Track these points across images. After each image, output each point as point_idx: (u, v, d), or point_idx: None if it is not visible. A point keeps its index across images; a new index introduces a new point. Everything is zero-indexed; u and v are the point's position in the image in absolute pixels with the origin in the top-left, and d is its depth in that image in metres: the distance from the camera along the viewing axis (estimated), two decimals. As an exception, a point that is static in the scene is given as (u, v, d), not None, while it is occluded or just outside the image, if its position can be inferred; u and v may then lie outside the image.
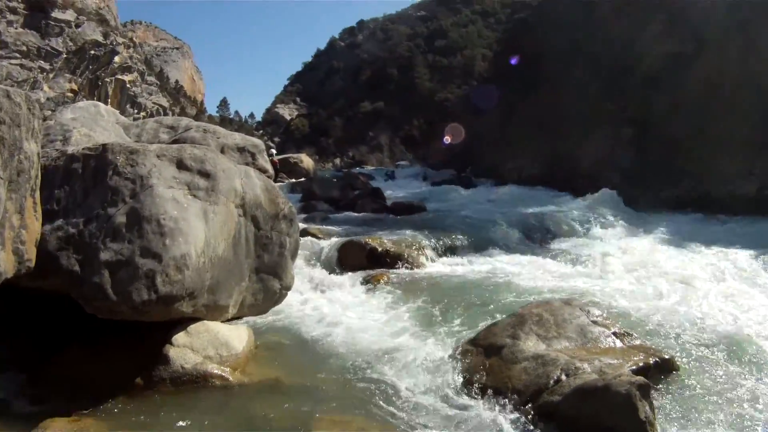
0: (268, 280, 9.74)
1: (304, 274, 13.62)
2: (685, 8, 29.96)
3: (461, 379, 8.09)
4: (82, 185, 8.13)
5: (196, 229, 8.03)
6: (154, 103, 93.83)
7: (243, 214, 9.20)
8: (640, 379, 6.83)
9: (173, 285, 7.61)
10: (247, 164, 10.62)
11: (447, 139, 28.54)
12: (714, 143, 25.05)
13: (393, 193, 33.03)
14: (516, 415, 7.15)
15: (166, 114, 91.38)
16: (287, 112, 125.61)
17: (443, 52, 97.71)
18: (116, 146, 8.40)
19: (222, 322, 9.09)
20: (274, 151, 38.19)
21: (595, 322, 9.14)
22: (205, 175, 8.69)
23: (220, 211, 8.58)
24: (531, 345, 8.43)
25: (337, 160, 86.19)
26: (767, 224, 21.13)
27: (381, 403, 7.44)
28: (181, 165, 8.60)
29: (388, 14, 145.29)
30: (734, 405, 7.51)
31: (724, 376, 8.31)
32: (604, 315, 9.60)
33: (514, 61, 29.65)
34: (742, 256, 16.10)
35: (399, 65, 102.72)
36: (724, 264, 15.39)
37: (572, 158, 33.66)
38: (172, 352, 8.08)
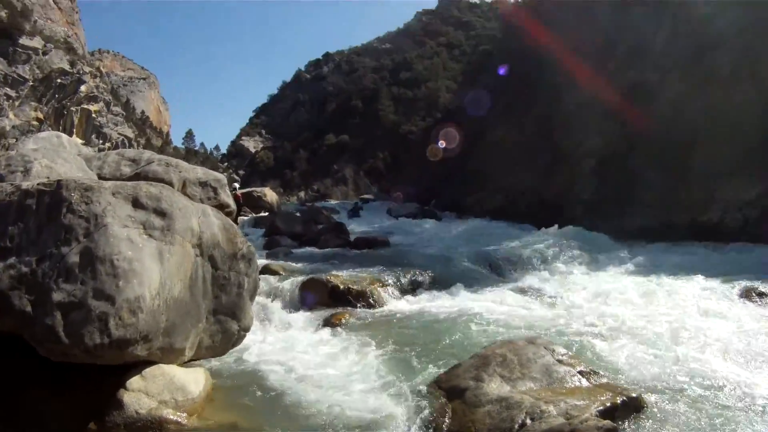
0: (226, 321, 9.47)
1: (264, 313, 13.43)
2: (646, 39, 30.26)
3: (424, 425, 7.87)
4: (37, 222, 7.90)
5: (150, 271, 7.78)
6: (119, 133, 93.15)
7: (200, 254, 8.94)
8: (608, 423, 6.72)
9: (127, 328, 7.35)
10: (209, 198, 10.44)
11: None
12: (676, 173, 25.21)
13: (357, 227, 32.87)
14: (480, 462, 6.99)
15: (131, 145, 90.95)
16: (252, 144, 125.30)
17: (408, 84, 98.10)
18: (71, 182, 8.17)
19: (178, 365, 8.82)
20: (237, 185, 37.86)
21: (560, 361, 9.00)
22: (161, 214, 8.44)
23: (176, 251, 8.34)
24: (495, 387, 8.24)
25: (302, 193, 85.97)
26: (730, 252, 21.42)
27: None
28: (136, 203, 8.37)
29: (354, 46, 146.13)
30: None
31: (691, 413, 8.17)
32: (570, 353, 9.46)
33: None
34: (706, 284, 16.10)
35: (364, 97, 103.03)
36: (688, 294, 15.33)
37: (534, 191, 33.80)
38: (127, 397, 7.81)
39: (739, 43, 25.37)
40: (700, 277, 16.74)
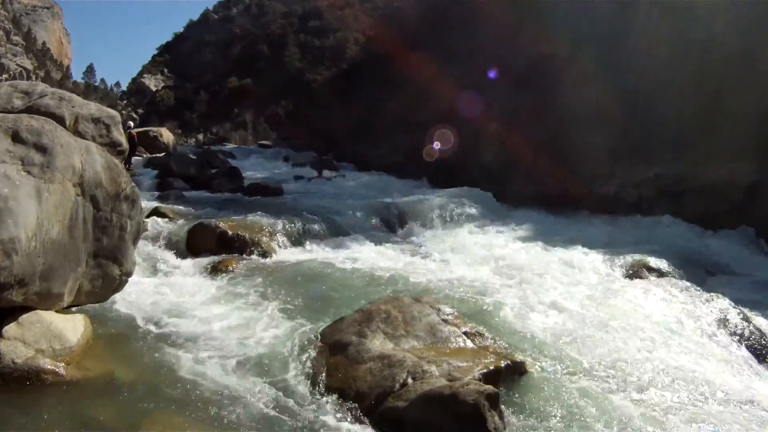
0: (108, 265, 9.07)
1: (149, 257, 13.08)
2: (561, 11, 30.35)
3: (305, 380, 7.81)
4: None
5: (27, 210, 7.36)
6: (18, 65, 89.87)
7: (81, 194, 8.50)
8: (489, 388, 6.70)
9: (0, 271, 6.99)
10: (101, 136, 9.99)
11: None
12: (578, 147, 25.50)
13: (252, 173, 32.45)
14: (356, 419, 6.93)
15: (29, 77, 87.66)
16: (153, 83, 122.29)
17: (316, 32, 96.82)
18: (-54, 115, 7.70)
19: (57, 311, 8.46)
20: (131, 123, 36.88)
21: (445, 321, 9.00)
22: (42, 149, 7.98)
23: (56, 190, 7.93)
24: (378, 344, 8.19)
25: (200, 136, 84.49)
26: (623, 222, 22.09)
27: (217, 404, 7.09)
28: (16, 137, 7.91)
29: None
30: (583, 407, 7.55)
31: (574, 377, 8.35)
32: (456, 313, 9.49)
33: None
34: (597, 254, 16.37)
35: (270, 42, 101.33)
36: (579, 262, 15.57)
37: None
38: (2, 345, 7.45)
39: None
40: (591, 248, 17.00)
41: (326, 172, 26.99)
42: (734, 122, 20.50)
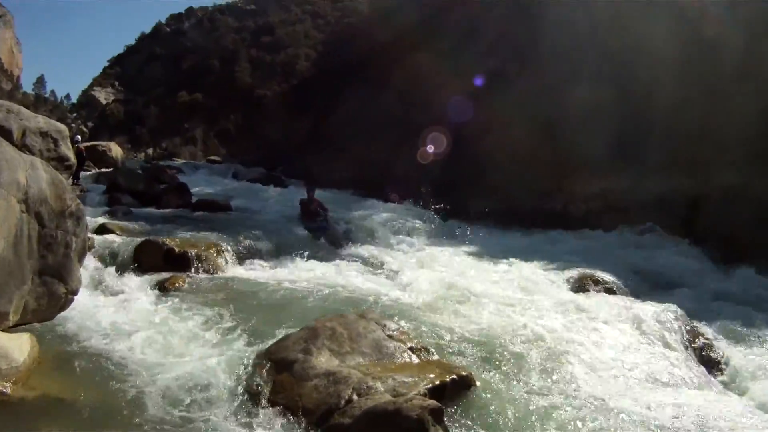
0: (53, 283, 8.91)
1: (95, 275, 12.89)
2: (509, 28, 30.65)
3: (251, 397, 7.77)
4: None
5: (-30, 227, 7.26)
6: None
7: (26, 210, 8.37)
8: (433, 402, 6.69)
9: (-58, 289, 6.84)
10: (48, 150, 9.90)
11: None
12: (524, 161, 25.75)
13: (201, 189, 32.23)
14: (304, 436, 6.87)
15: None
16: (104, 96, 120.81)
17: (268, 48, 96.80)
18: None
19: (2, 330, 8.31)
20: (79, 137, 36.54)
21: (391, 337, 9.00)
22: (-14, 164, 7.90)
23: (0, 206, 7.83)
24: (323, 361, 8.15)
25: (150, 151, 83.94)
26: (570, 237, 22.47)
27: (165, 422, 7.03)
28: (-41, 152, 7.81)
29: (218, 3, 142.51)
30: (530, 420, 7.61)
31: (520, 391, 8.42)
32: (401, 329, 9.48)
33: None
34: (544, 267, 16.54)
35: (222, 57, 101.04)
36: (524, 275, 15.78)
37: (383, 166, 33.93)
38: (-53, 365, 7.27)
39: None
40: (538, 262, 17.20)
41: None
42: (676, 138, 20.93)
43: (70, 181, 23.09)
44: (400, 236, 20.63)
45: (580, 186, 24.52)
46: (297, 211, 22.18)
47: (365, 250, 18.25)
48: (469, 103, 30.34)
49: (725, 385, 10.26)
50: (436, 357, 8.86)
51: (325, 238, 19.08)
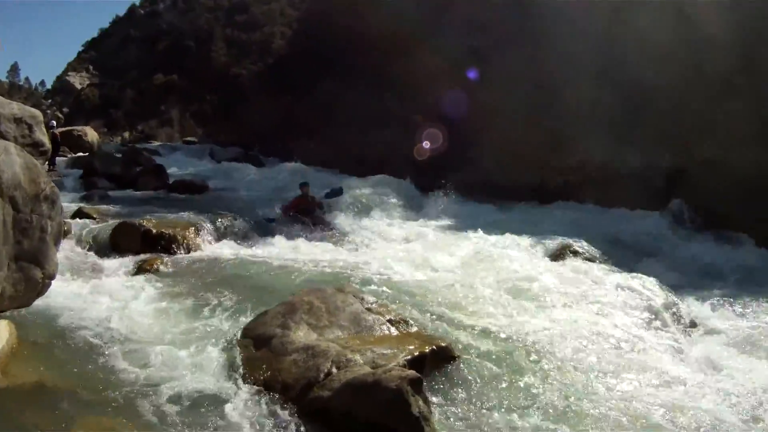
0: (29, 268, 8.79)
1: (73, 259, 12.83)
2: (488, 6, 30.50)
3: (231, 375, 7.73)
4: None
5: (-55, 213, 7.17)
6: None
7: (0, 195, 8.33)
8: (412, 373, 6.69)
9: None
10: (23, 136, 9.75)
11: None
12: (502, 136, 25.74)
13: (178, 170, 32.09)
14: (285, 411, 6.86)
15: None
16: (78, 80, 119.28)
17: (243, 27, 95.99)
18: None
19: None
20: (54, 122, 36.21)
21: (369, 310, 9.00)
22: (-41, 151, 7.80)
23: (-25, 192, 7.74)
24: (302, 335, 8.13)
25: (126, 134, 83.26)
26: (548, 209, 22.59)
27: (147, 403, 6.95)
28: (-66, 138, 7.71)
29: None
30: (510, 390, 7.65)
31: (500, 361, 8.40)
32: (379, 302, 9.50)
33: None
34: (522, 238, 16.59)
35: (197, 38, 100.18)
36: (503, 247, 15.80)
37: (360, 145, 33.85)
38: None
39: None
40: (516, 234, 17.18)
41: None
42: (656, 113, 21.01)
43: (46, 166, 22.94)
44: (376, 210, 20.60)
45: (557, 159, 24.52)
46: (275, 187, 21.96)
47: (344, 225, 18.25)
48: (448, 82, 30.20)
49: (693, 345, 10.31)
50: (415, 329, 8.84)
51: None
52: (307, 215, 18.51)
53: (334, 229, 17.63)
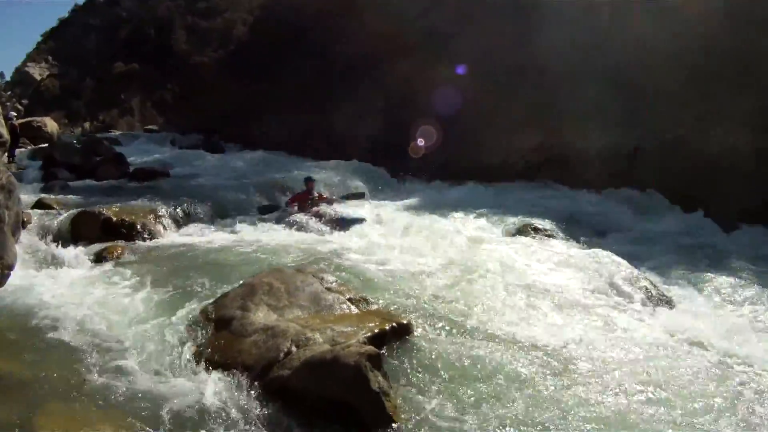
0: (-13, 259, 8.79)
1: (33, 250, 12.70)
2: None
3: (192, 358, 7.74)
4: None
5: None
6: None
7: (-43, 187, 8.23)
8: (370, 348, 6.73)
9: None
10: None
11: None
12: (464, 116, 25.80)
13: (138, 158, 31.83)
14: (247, 392, 6.87)
15: None
16: (38, 71, 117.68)
17: (204, 14, 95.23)
18: None
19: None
20: (14, 113, 35.86)
21: (329, 289, 9.04)
22: None
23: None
24: (261, 316, 8.16)
25: (87, 124, 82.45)
26: (509, 189, 22.71)
27: (109, 389, 6.96)
28: None
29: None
30: (471, 365, 7.67)
31: (461, 337, 8.50)
32: (339, 281, 9.54)
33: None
34: (482, 217, 16.76)
35: (157, 26, 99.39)
36: (463, 225, 16.03)
37: (323, 128, 33.82)
38: None
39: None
40: (477, 213, 17.37)
41: None
42: (616, 93, 21.15)
43: (5, 158, 22.69)
44: (338, 193, 20.63)
45: (519, 140, 24.62)
46: (236, 173, 21.76)
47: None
48: (409, 63, 30.19)
49: (651, 315, 10.42)
50: (375, 307, 8.89)
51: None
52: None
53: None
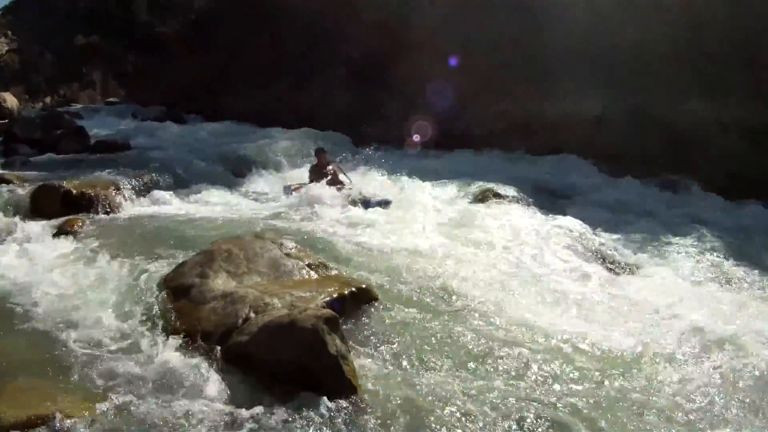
0: (-56, 236, 8.69)
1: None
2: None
3: (151, 327, 7.73)
4: None
5: None
6: None
7: None
8: (327, 312, 6.74)
9: None
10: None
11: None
12: (427, 84, 25.80)
13: (100, 131, 31.46)
14: (205, 359, 6.86)
15: None
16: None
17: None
18: None
19: None
20: (-27, 92, 35.42)
21: (288, 255, 9.02)
22: None
23: None
24: (220, 283, 8.13)
25: (48, 99, 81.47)
26: (472, 157, 23.27)
27: (73, 362, 6.92)
28: None
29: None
30: (430, 329, 7.75)
31: (421, 301, 8.57)
32: (299, 247, 9.52)
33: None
34: (443, 184, 16.96)
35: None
36: (424, 191, 16.21)
37: (290, 100, 33.69)
38: None
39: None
40: (438, 179, 17.45)
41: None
42: (581, 60, 21.25)
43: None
44: (308, 163, 20.60)
45: (482, 107, 24.66)
46: (198, 144, 21.61)
47: (265, 178, 18.30)
48: (374, 34, 30.04)
49: (613, 281, 10.56)
50: (335, 272, 8.90)
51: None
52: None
53: (258, 182, 17.46)
